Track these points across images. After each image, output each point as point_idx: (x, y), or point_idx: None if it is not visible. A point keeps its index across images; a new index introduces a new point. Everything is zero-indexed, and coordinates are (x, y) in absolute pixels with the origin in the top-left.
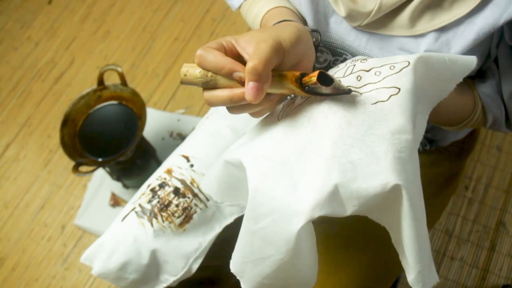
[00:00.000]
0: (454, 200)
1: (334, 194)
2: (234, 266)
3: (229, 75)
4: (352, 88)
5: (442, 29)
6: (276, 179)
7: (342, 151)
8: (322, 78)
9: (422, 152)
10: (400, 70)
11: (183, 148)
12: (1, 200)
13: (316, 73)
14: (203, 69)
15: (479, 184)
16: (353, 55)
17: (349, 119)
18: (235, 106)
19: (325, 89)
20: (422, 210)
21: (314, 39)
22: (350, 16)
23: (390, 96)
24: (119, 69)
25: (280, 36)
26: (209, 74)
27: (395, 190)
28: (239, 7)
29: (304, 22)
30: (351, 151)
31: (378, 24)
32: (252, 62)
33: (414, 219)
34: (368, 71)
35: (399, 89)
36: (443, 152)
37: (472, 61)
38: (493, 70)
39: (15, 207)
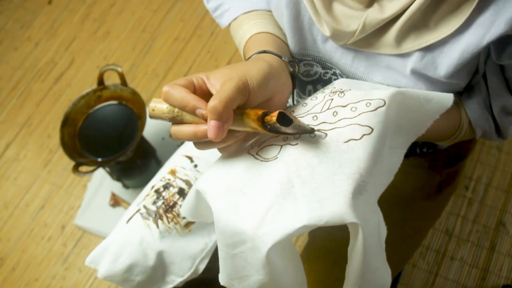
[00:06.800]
0: (454, 200)
1: (300, 230)
2: (222, 281)
3: (192, 112)
4: (328, 123)
5: (428, 48)
6: (245, 212)
7: (311, 189)
8: (281, 119)
9: (421, 153)
10: (376, 109)
11: (186, 148)
12: (1, 200)
13: (276, 113)
14: (170, 105)
15: (479, 184)
16: (341, 71)
17: (321, 158)
18: (201, 142)
19: (285, 129)
20: (375, 247)
21: (291, 69)
22: (335, 36)
23: (363, 136)
24: (119, 69)
25: (247, 74)
26: (176, 110)
27: (353, 228)
28: (228, 25)
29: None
30: (320, 189)
31: (364, 42)
32: (213, 102)
33: (364, 254)
34: (344, 106)
35: (372, 129)
36: (443, 152)
37: (448, 99)
38: (481, 86)
39: (15, 207)
